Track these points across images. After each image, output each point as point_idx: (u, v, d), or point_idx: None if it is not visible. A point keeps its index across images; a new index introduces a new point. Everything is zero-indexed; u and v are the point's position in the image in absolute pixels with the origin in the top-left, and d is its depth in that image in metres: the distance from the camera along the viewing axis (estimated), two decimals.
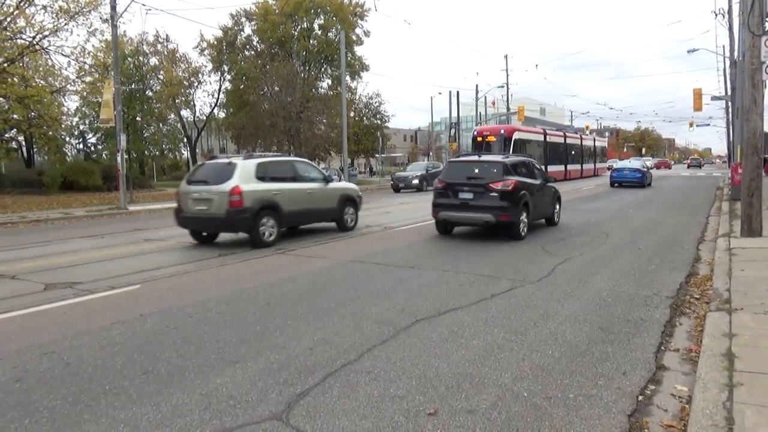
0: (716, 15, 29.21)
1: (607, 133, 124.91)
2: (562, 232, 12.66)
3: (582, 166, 44.77)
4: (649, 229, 13.16)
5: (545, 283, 7.43)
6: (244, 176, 10.88)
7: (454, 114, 51.37)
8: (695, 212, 17.14)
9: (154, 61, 43.27)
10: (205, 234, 11.73)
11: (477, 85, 54.36)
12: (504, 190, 11.16)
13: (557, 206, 14.06)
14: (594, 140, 50.96)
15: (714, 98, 36.31)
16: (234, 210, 10.54)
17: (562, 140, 41.43)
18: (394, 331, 5.35)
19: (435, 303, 6.42)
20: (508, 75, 55.23)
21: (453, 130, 51.57)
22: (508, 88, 55.13)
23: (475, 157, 12.92)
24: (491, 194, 11.18)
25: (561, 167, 39.31)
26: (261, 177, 11.21)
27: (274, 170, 11.79)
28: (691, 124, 65.25)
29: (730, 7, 26.57)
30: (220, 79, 48.64)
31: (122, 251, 10.92)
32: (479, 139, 33.43)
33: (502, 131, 33.85)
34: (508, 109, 55.53)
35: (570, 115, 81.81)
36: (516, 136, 33.39)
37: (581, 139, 45.77)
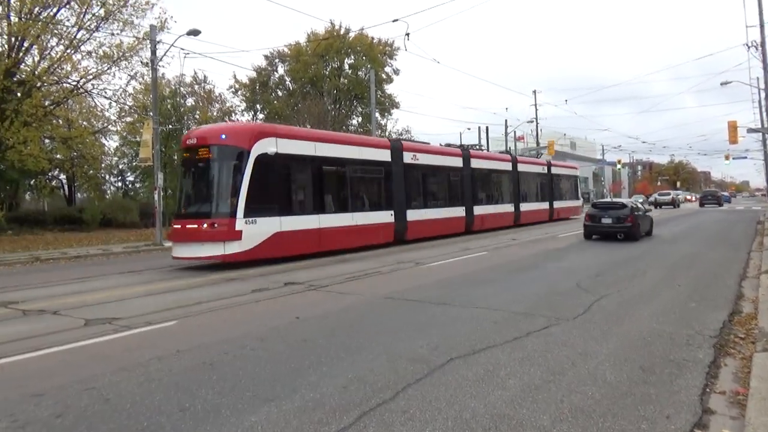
0: (749, 48, 28.91)
1: (639, 167, 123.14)
2: (598, 267, 12.43)
3: (516, 207, 29.29)
4: (688, 265, 12.82)
5: (582, 321, 7.28)
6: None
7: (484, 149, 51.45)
8: (737, 248, 16.65)
9: (190, 101, 44.77)
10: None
11: (506, 121, 54.26)
12: (628, 220, 19.07)
13: (652, 225, 21.76)
14: (549, 167, 34.73)
15: (750, 131, 35.59)
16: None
17: (432, 161, 22.53)
18: (429, 370, 5.29)
19: (469, 341, 6.34)
20: (537, 110, 55.26)
21: None
22: (537, 123, 55.13)
23: (608, 200, 24.05)
24: (622, 221, 19.08)
25: (428, 212, 21.68)
26: None
27: None
28: (726, 157, 63.92)
29: (763, 39, 26.27)
30: (254, 118, 49.93)
31: (159, 287, 11.13)
32: (186, 154, 15.21)
33: (223, 135, 14.70)
34: (537, 143, 55.40)
35: (602, 149, 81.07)
36: (261, 147, 14.49)
37: (515, 163, 30.10)
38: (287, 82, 49.76)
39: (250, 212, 13.88)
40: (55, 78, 26.47)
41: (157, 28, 24.26)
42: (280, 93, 49.68)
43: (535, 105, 55.19)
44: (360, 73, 47.79)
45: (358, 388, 4.85)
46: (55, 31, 25.18)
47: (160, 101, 33.63)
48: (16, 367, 5.87)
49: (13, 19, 23.87)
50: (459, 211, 23.85)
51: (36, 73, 25.25)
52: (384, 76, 48.85)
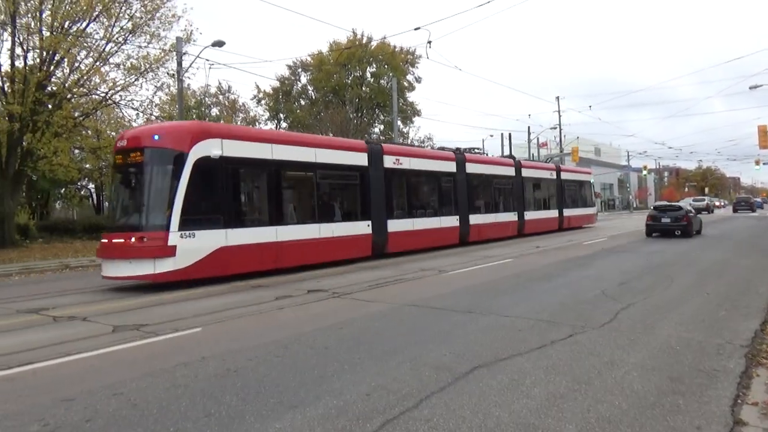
0: None
1: (666, 173, 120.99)
2: (625, 275, 12.24)
3: (520, 215, 27.16)
4: (719, 271, 12.55)
5: (608, 329, 7.17)
6: None
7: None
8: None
9: (215, 111, 45.49)
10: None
11: (529, 127, 53.99)
12: (684, 219, 23.43)
13: (701, 225, 25.93)
14: (558, 172, 32.29)
15: None
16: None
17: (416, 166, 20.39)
18: (453, 378, 5.26)
19: (493, 349, 6.29)
20: (560, 116, 54.83)
21: None
22: (560, 129, 54.70)
23: (666, 203, 28.31)
24: (678, 220, 23.42)
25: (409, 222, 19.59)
26: None
27: None
28: (757, 162, 62.53)
29: None
30: (277, 127, 50.50)
31: (183, 294, 11.27)
32: (117, 159, 13.49)
33: (156, 136, 13.01)
34: (561, 150, 54.92)
35: (627, 155, 79.96)
36: (202, 149, 12.76)
37: (519, 168, 27.75)
38: (310, 92, 50.27)
39: (186, 224, 12.16)
40: (85, 90, 27.10)
41: (183, 40, 24.73)
42: (302, 102, 50.20)
43: (558, 111, 54.79)
44: (382, 81, 48.05)
45: (382, 395, 4.85)
46: (85, 44, 25.80)
47: (186, 111, 34.23)
48: (47, 372, 6.00)
49: (45, 33, 24.52)
50: (451, 221, 21.79)
51: (66, 85, 25.87)
52: (406, 84, 49.01)
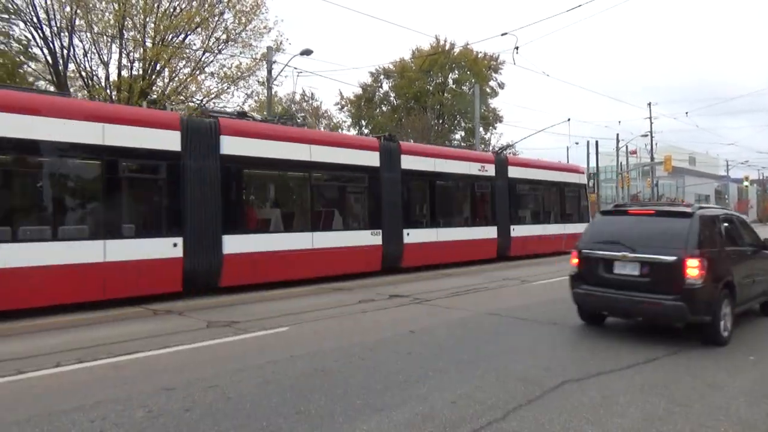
0: None
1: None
2: None
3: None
4: None
5: (711, 351, 6.71)
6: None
7: (592, 164, 49.33)
8: None
9: (300, 118, 46.94)
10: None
11: (618, 135, 51.69)
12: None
13: None
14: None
15: None
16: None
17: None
18: (541, 391, 5.12)
19: (582, 363, 6.07)
20: (651, 123, 52.11)
21: (591, 181, 49.46)
22: (651, 137, 51.98)
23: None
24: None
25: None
26: None
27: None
28: None
29: None
30: (359, 133, 51.36)
31: (268, 295, 11.52)
32: None
33: None
34: (652, 158, 52.19)
35: (726, 164, 74.83)
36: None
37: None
38: (391, 98, 50.79)
39: None
40: (182, 98, 28.80)
41: (273, 50, 25.75)
42: (384, 108, 50.80)
43: (650, 118, 52.12)
44: (464, 87, 47.78)
45: (468, 404, 4.80)
46: (184, 54, 27.47)
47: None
48: (149, 361, 6.41)
49: (148, 44, 26.33)
50: (487, 232, 18.55)
51: (165, 93, 27.63)
52: (488, 90, 48.44)
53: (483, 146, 44.80)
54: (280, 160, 12.82)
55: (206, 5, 26.28)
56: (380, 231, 14.75)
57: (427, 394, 5.07)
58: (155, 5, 25.53)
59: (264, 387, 5.32)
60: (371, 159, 14.82)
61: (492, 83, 49.14)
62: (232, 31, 27.63)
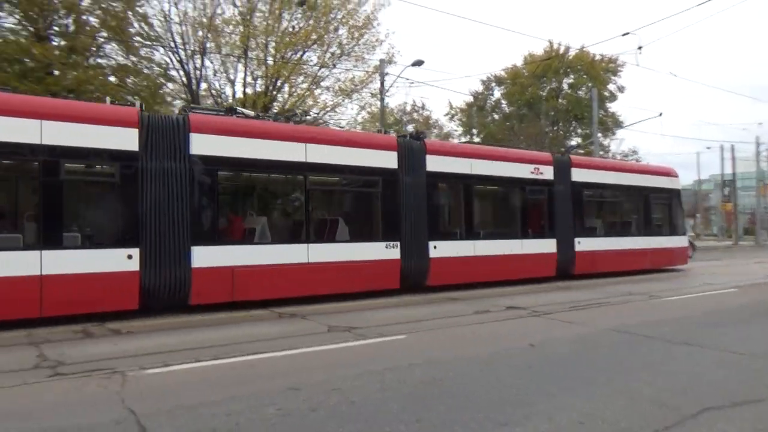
0: None
1: None
2: None
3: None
4: None
5: None
6: None
7: (728, 170, 45.20)
8: None
9: (410, 128, 47.54)
10: None
11: (757, 137, 46.95)
12: None
13: None
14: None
15: None
16: None
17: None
18: (680, 418, 4.74)
19: (724, 390, 5.54)
20: None
21: (727, 189, 45.29)
22: None
23: None
24: None
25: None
26: None
27: None
28: None
29: None
30: (470, 141, 51.01)
31: (382, 302, 11.75)
32: None
33: None
34: None
35: None
36: None
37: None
38: (503, 105, 49.94)
39: None
40: (299, 111, 30.35)
41: (385, 62, 26.38)
42: (495, 116, 50.06)
43: None
44: (580, 92, 45.85)
45: (597, 425, 4.56)
46: (302, 70, 28.92)
47: (386, 128, 36.35)
48: (276, 361, 6.78)
49: (270, 62, 28.03)
50: (543, 245, 15.95)
51: (285, 107, 29.22)
52: (607, 94, 46.10)
53: (602, 152, 42.67)
54: (266, 161, 11.34)
55: (322, 22, 27.51)
56: (398, 243, 12.91)
57: (551, 411, 4.89)
58: (276, 25, 27.11)
59: (383, 393, 5.41)
60: (387, 160, 12.93)
61: (611, 86, 46.70)
62: (346, 46, 28.70)
